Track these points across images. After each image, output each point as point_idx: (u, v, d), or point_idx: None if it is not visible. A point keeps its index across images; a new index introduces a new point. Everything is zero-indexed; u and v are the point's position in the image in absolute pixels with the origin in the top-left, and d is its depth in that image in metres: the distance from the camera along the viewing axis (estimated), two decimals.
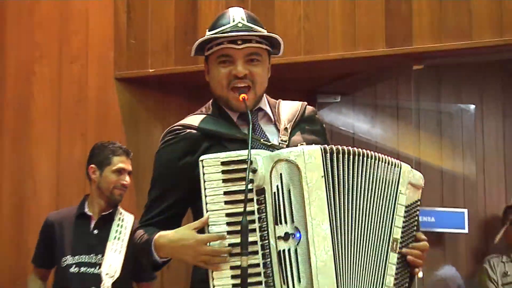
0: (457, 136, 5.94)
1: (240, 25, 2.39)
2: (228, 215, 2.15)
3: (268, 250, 2.12)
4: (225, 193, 2.15)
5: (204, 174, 2.16)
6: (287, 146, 2.35)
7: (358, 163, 2.21)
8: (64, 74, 4.80)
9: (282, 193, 2.13)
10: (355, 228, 2.19)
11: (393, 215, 2.27)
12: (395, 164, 2.29)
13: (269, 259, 2.12)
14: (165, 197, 2.39)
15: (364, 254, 2.20)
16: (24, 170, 4.76)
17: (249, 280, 2.08)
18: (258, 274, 2.12)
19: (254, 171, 2.13)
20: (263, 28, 2.44)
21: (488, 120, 5.99)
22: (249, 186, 2.12)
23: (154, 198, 2.42)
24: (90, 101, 4.79)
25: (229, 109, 2.43)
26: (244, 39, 2.37)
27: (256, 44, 2.39)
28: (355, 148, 2.22)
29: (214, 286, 2.14)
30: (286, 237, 2.11)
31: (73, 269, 3.85)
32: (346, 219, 2.17)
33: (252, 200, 2.14)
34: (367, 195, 2.22)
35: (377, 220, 2.23)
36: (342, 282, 2.14)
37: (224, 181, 2.15)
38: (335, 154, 2.18)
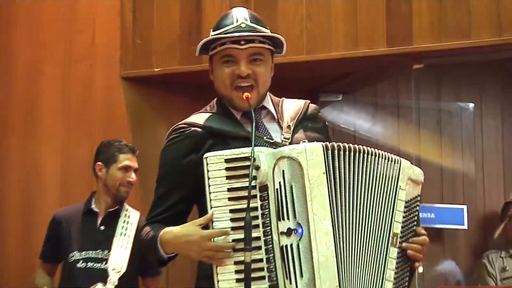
0: (457, 134, 5.92)
1: (243, 25, 2.39)
2: (231, 211, 2.16)
3: (271, 246, 2.14)
4: (229, 189, 2.16)
5: (208, 171, 2.17)
6: (290, 143, 2.35)
7: (358, 159, 2.21)
8: (71, 73, 4.81)
9: (285, 190, 2.14)
10: (356, 223, 2.20)
11: (393, 210, 2.27)
12: (395, 160, 2.30)
13: (272, 254, 2.13)
14: (170, 195, 2.40)
15: (365, 248, 2.21)
16: (31, 169, 4.77)
17: (253, 275, 2.10)
18: (261, 269, 2.14)
19: (257, 168, 2.14)
20: (266, 28, 2.44)
21: (487, 118, 5.97)
22: (252, 183, 2.13)
23: (159, 196, 2.43)
24: (97, 100, 4.80)
25: (233, 108, 2.43)
26: (247, 39, 2.37)
27: (259, 44, 2.39)
28: (355, 145, 2.23)
29: (218, 281, 2.16)
30: (289, 232, 2.12)
31: (80, 264, 3.87)
32: (347, 214, 2.18)
33: (255, 196, 2.15)
34: (368, 191, 2.22)
35: (377, 215, 2.24)
36: (343, 276, 2.15)
37: (228, 178, 2.17)
38: (336, 151, 2.19)
